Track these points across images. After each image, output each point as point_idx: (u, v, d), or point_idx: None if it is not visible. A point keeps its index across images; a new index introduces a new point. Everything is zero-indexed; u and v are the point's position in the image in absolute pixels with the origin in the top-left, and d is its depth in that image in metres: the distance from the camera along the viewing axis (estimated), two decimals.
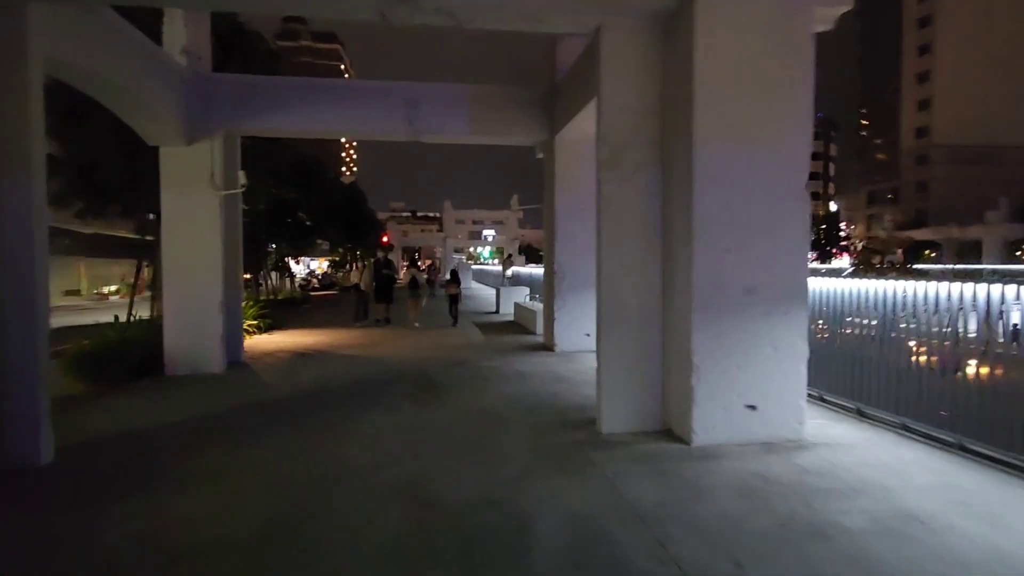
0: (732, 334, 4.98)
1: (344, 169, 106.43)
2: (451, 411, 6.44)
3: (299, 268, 53.57)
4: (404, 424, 5.99)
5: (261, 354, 10.87)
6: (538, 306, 13.51)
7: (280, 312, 20.43)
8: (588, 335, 10.27)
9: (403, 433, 5.68)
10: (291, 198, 23.00)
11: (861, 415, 5.88)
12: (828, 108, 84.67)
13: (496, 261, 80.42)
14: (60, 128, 11.19)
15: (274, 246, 23.94)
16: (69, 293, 29.88)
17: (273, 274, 23.77)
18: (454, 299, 15.87)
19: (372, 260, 16.43)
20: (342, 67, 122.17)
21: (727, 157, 4.94)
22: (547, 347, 10.66)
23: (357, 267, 16.38)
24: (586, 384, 7.57)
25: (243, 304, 14.75)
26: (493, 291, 27.88)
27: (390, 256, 16.91)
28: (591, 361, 9.31)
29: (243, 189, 9.35)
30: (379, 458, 4.97)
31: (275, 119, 9.46)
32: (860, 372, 5.87)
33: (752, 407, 5.02)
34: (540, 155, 11.37)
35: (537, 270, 22.16)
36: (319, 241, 26.46)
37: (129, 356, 8.90)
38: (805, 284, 5.15)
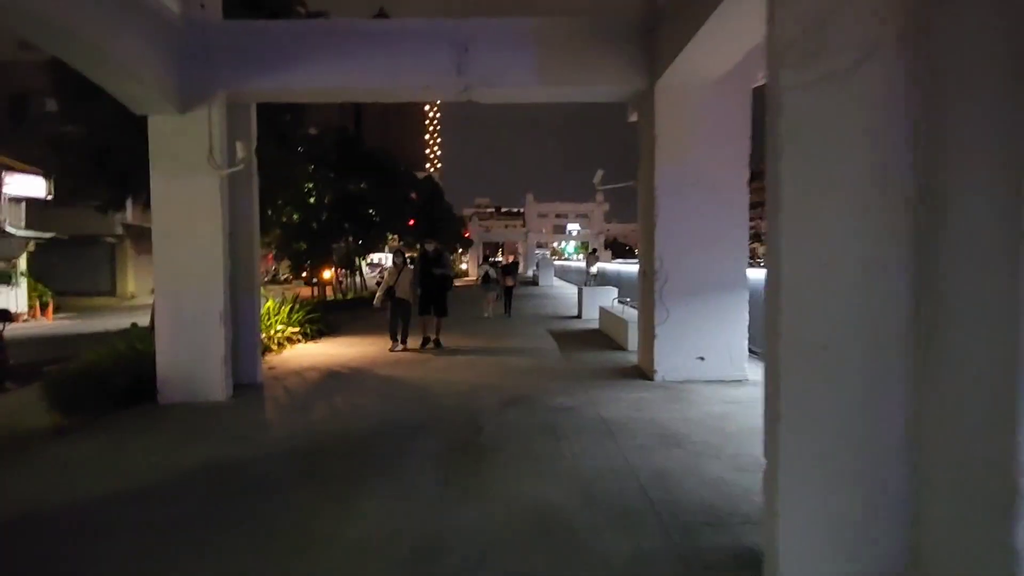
0: None
1: (428, 165, 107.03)
2: (492, 506, 3.91)
3: (379, 262, 53.35)
4: (412, 532, 3.53)
5: (289, 372, 8.87)
6: (630, 313, 10.72)
7: (342, 314, 18.83)
8: (702, 359, 7.43)
9: (403, 558, 3.23)
10: (358, 191, 21.51)
11: None
12: None
13: (580, 256, 77.26)
14: (67, 107, 9.83)
15: (346, 241, 22.58)
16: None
17: (340, 272, 22.36)
18: (508, 291, 16.94)
19: (418, 255, 11.18)
20: None
21: None
22: (644, 373, 7.88)
23: (394, 264, 10.93)
24: (714, 454, 4.78)
25: (287, 307, 13.06)
26: (575, 290, 25.21)
27: (441, 249, 11.58)
28: (712, 402, 6.36)
29: (241, 166, 7.29)
30: None
31: (287, 76, 7.33)
32: None
33: None
34: (633, 117, 8.59)
35: (626, 267, 19.23)
36: (390, 236, 24.90)
37: (117, 380, 7.12)
38: None
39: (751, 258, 8.00)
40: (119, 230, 27.59)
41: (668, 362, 7.46)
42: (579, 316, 15.35)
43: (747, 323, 7.49)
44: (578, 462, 4.69)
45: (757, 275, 8.50)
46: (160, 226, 7.23)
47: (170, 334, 7.20)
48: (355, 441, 5.45)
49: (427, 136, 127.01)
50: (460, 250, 58.09)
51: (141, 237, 29.57)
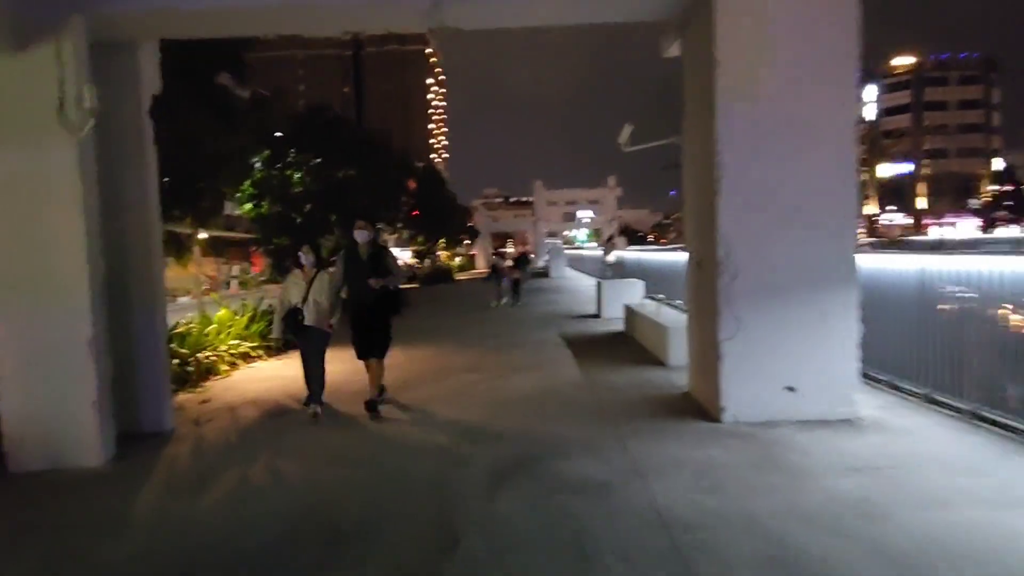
0: None
1: (433, 156, 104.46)
2: None
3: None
4: None
5: (222, 408, 6.67)
6: (669, 316, 8.35)
7: None
8: (791, 389, 5.06)
9: None
10: (345, 178, 19.22)
11: None
12: (988, 46, 70.54)
13: (593, 244, 74.36)
14: None
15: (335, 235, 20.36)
16: None
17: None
18: (516, 282, 17.78)
19: (342, 253, 6.42)
20: (428, 51, 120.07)
21: None
22: (703, 410, 5.51)
23: (299, 267, 6.19)
24: None
25: (245, 316, 10.84)
26: (592, 282, 22.91)
27: (380, 242, 7.40)
28: (830, 470, 3.85)
29: (92, 121, 4.99)
30: None
31: None
32: None
33: None
34: (672, 50, 6.21)
35: (648, 254, 16.84)
36: (379, 226, 22.60)
37: None
38: None
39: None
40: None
41: (741, 394, 5.09)
42: (598, 315, 12.98)
43: (857, 335, 5.10)
44: None
45: (870, 263, 6.06)
46: None
47: (18, 373, 4.97)
48: (240, 565, 3.17)
49: (431, 126, 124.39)
50: (468, 241, 55.84)
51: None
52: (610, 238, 25.00)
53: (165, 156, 7.50)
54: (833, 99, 5.00)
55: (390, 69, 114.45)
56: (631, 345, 9.31)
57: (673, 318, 8.07)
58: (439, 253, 47.91)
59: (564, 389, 6.69)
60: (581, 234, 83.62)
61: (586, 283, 24.71)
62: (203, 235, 17.60)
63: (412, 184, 33.54)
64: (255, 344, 10.11)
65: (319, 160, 18.32)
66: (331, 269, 6.47)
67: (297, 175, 18.13)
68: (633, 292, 12.38)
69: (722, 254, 5.06)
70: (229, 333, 9.90)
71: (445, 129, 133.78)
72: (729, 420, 5.07)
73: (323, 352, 6.14)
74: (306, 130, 18.34)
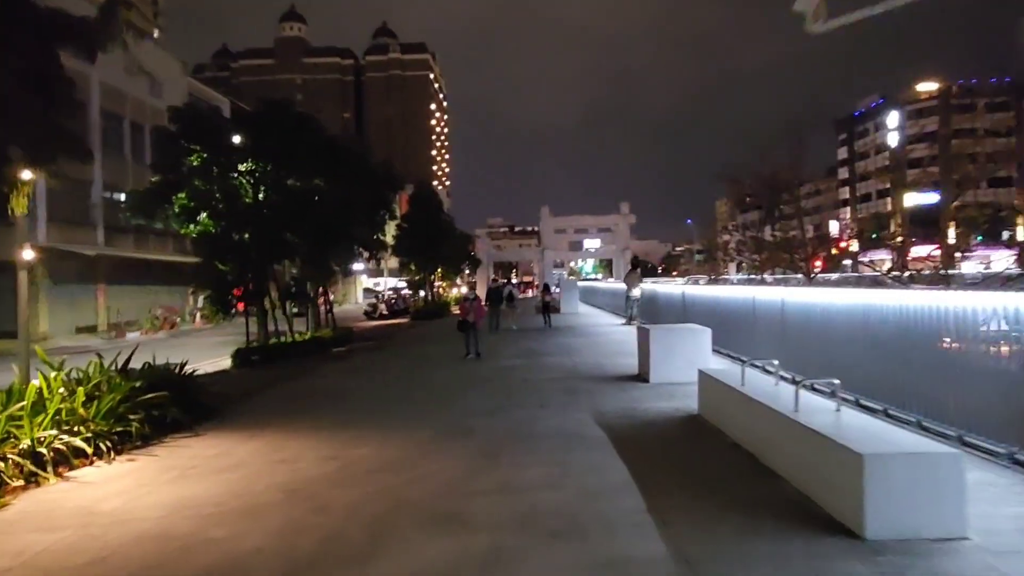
0: None
1: (436, 183, 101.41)
2: None
3: (373, 286, 47.39)
4: None
5: None
6: (842, 423, 4.23)
7: (273, 368, 12.67)
8: None
9: None
10: (309, 188, 15.41)
11: None
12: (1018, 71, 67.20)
13: (600, 276, 70.02)
14: None
15: (301, 262, 16.55)
16: (81, 330, 24.27)
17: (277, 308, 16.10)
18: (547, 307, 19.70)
19: None
20: (432, 76, 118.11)
21: None
22: None
23: None
24: None
25: (88, 385, 6.79)
26: (613, 320, 18.99)
27: None
28: None
29: None
30: None
31: None
32: None
33: None
34: None
35: (700, 292, 12.86)
36: (363, 254, 18.73)
37: None
38: None
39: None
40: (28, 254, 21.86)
41: None
42: (642, 377, 8.89)
43: None
44: None
45: None
46: None
47: None
48: None
49: (434, 152, 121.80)
50: (467, 272, 51.98)
51: (62, 262, 23.82)
52: (634, 267, 21.02)
53: None
54: None
55: (392, 95, 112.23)
56: (728, 450, 5.21)
57: (856, 428, 4.00)
58: (438, 284, 43.96)
59: None
60: (588, 265, 79.35)
61: (605, 321, 20.64)
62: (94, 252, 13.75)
63: (405, 202, 29.80)
64: (96, 432, 6.08)
65: (272, 166, 14.54)
66: None
67: (253, 187, 14.46)
68: (698, 346, 8.34)
69: None
70: (41, 420, 5.87)
71: (448, 157, 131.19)
72: None
73: None
74: (264, 131, 14.70)
